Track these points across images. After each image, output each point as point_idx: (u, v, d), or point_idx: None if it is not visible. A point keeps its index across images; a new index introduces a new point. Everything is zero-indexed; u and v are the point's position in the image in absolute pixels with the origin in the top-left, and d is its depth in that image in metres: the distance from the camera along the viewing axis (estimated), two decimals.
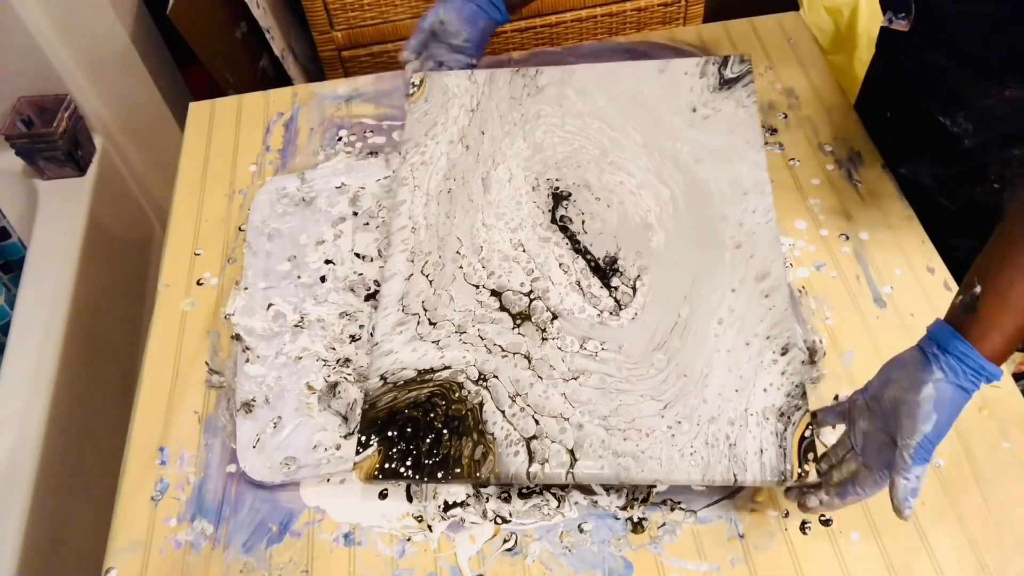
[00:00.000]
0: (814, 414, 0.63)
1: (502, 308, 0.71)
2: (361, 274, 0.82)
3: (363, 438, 0.64)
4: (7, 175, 1.25)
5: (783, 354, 0.65)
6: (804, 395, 0.63)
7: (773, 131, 0.93)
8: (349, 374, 0.74)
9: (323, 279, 0.82)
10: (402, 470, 0.62)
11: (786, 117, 0.94)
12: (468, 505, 0.66)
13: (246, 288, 0.81)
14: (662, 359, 0.66)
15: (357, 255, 0.84)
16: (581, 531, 0.64)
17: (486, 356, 0.68)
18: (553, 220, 0.76)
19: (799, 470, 0.60)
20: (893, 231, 0.82)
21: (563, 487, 0.66)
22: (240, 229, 0.88)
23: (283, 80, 1.49)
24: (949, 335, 0.55)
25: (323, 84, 1.05)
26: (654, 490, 0.66)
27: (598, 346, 0.68)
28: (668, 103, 0.82)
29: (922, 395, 0.54)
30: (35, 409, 0.99)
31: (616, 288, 0.71)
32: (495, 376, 0.67)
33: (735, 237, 0.72)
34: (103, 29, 1.32)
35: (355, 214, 0.88)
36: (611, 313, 0.69)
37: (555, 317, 0.70)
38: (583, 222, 0.75)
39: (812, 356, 0.73)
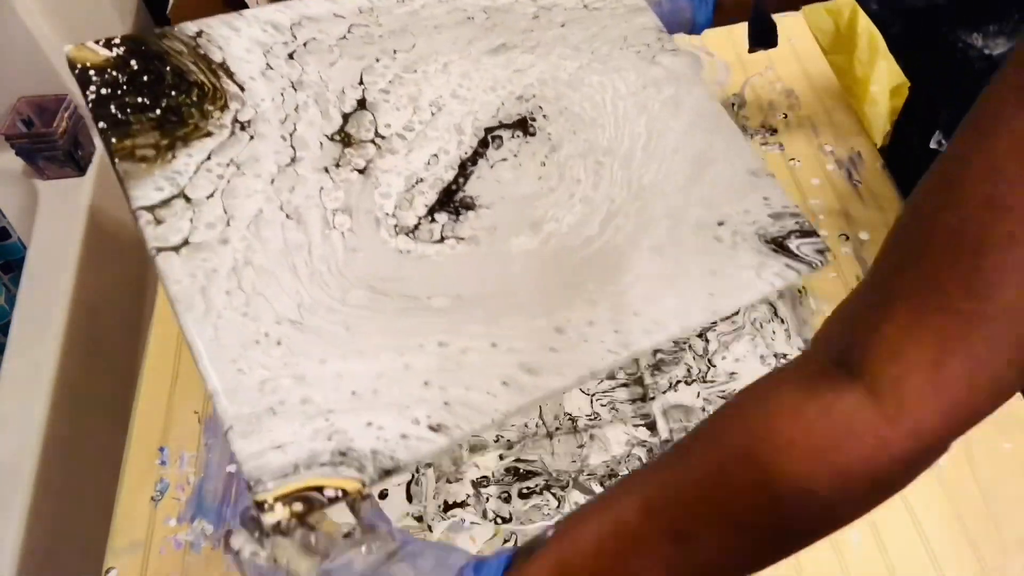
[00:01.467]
0: (366, 497, 0.44)
1: (345, 117, 0.58)
2: None
3: (115, 41, 0.56)
4: (7, 175, 1.25)
5: (431, 431, 0.46)
6: (382, 471, 0.44)
7: (773, 131, 0.93)
8: None
9: None
10: (92, 89, 0.54)
11: (786, 117, 0.94)
12: (468, 505, 0.66)
13: None
14: (359, 298, 0.51)
15: None
16: None
17: (275, 120, 0.56)
18: (488, 131, 0.60)
19: (271, 500, 0.41)
20: None
21: (563, 486, 0.66)
22: None
23: None
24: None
25: None
26: None
27: (345, 226, 0.53)
28: (713, 190, 0.61)
29: None
30: (35, 409, 0.99)
31: (434, 222, 0.55)
32: (252, 136, 0.55)
33: (571, 323, 0.52)
34: (103, 29, 1.32)
35: None
36: (395, 228, 0.54)
37: (362, 172, 0.56)
38: (504, 159, 0.59)
39: None
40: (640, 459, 0.67)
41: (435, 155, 0.58)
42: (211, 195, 0.52)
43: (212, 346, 0.46)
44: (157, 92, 0.55)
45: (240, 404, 0.44)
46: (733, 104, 0.97)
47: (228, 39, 0.59)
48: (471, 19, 0.65)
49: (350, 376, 0.47)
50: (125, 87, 0.54)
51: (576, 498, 0.66)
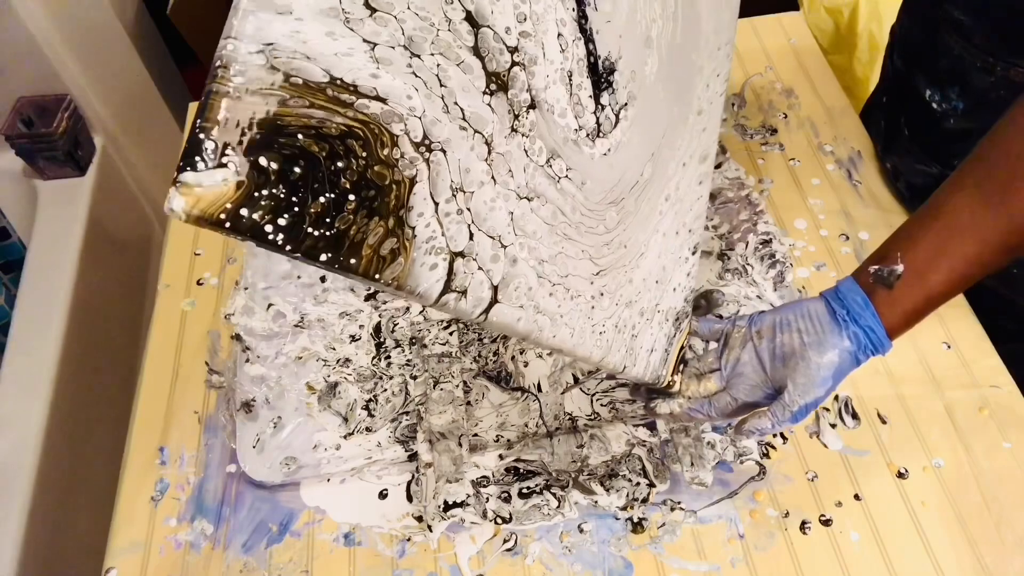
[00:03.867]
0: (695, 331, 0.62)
1: (476, 52, 0.48)
2: None
3: (209, 145, 0.35)
4: (7, 175, 1.25)
5: (692, 253, 0.61)
6: (692, 302, 0.61)
7: (773, 131, 0.93)
8: (349, 374, 0.74)
9: (323, 279, 0.82)
10: (268, 229, 0.37)
11: (786, 117, 0.94)
12: (468, 505, 0.66)
13: (246, 288, 0.81)
14: (614, 218, 0.57)
15: None
16: (581, 531, 0.64)
17: (439, 113, 0.45)
18: None
19: (671, 379, 0.58)
20: (893, 231, 0.82)
21: (563, 486, 0.66)
22: None
23: None
24: (862, 305, 0.54)
25: None
26: (654, 490, 0.66)
27: (564, 169, 0.53)
28: None
29: (825, 360, 0.53)
30: (35, 409, 0.99)
31: (603, 108, 0.57)
32: (443, 150, 0.45)
33: (700, 100, 0.64)
34: (103, 29, 1.32)
35: None
36: (588, 136, 0.55)
37: (533, 106, 0.51)
38: None
39: None
40: (640, 459, 0.68)
41: (559, 34, 0.53)
42: (471, 236, 0.46)
43: (578, 339, 0.54)
44: (325, 176, 0.40)
45: (620, 355, 0.56)
46: (733, 104, 0.97)
47: (305, 37, 0.39)
48: None
49: (649, 275, 0.58)
50: (294, 199, 0.38)
51: (576, 498, 0.66)
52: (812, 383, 0.53)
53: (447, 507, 0.66)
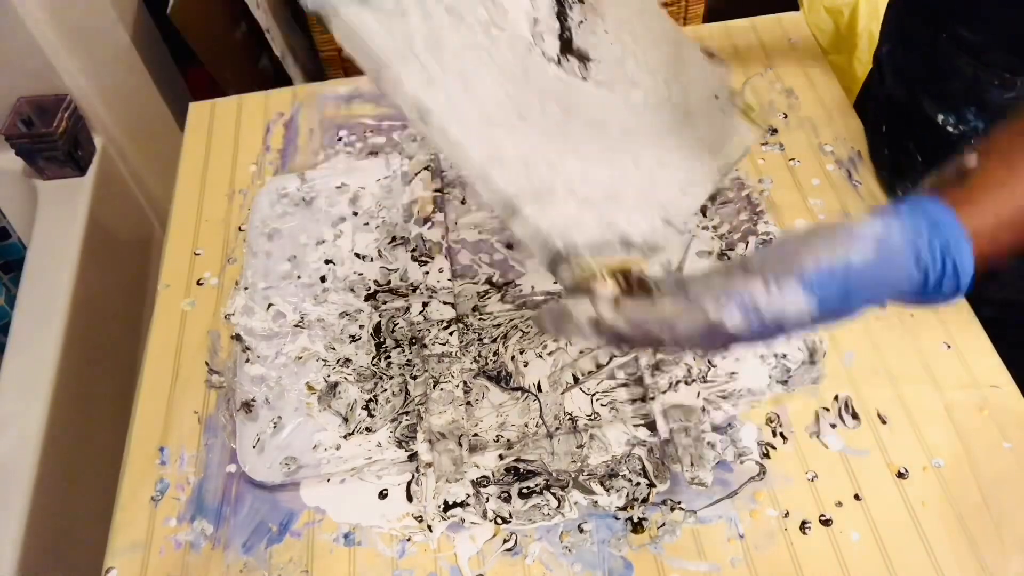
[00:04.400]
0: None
1: None
2: (361, 274, 0.82)
3: None
4: (7, 175, 1.25)
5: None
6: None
7: (773, 131, 0.93)
8: (349, 374, 0.74)
9: (323, 279, 0.82)
10: None
11: (786, 117, 0.94)
12: (468, 505, 0.66)
13: (246, 288, 0.82)
14: (556, 112, 0.51)
15: (357, 255, 0.84)
16: (581, 531, 0.64)
17: None
18: None
19: (597, 271, 0.43)
20: None
21: (563, 486, 0.66)
22: (240, 229, 0.88)
23: (283, 80, 1.49)
24: (920, 192, 0.40)
25: (323, 84, 1.05)
26: (654, 490, 0.66)
27: (502, 37, 0.48)
28: (701, 83, 0.64)
29: (864, 227, 0.38)
30: (35, 409, 0.99)
31: (569, 62, 0.54)
32: None
33: (687, 147, 0.59)
34: (103, 29, 1.32)
35: (355, 214, 0.88)
36: (544, 55, 0.52)
37: None
38: (581, 23, 0.56)
39: (812, 356, 0.73)
40: (640, 459, 0.68)
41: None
42: None
43: (455, 112, 0.42)
44: None
45: (516, 187, 0.44)
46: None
47: None
48: None
49: (594, 179, 0.49)
50: None
51: (576, 498, 0.66)
52: (838, 241, 0.37)
53: (447, 507, 0.66)
